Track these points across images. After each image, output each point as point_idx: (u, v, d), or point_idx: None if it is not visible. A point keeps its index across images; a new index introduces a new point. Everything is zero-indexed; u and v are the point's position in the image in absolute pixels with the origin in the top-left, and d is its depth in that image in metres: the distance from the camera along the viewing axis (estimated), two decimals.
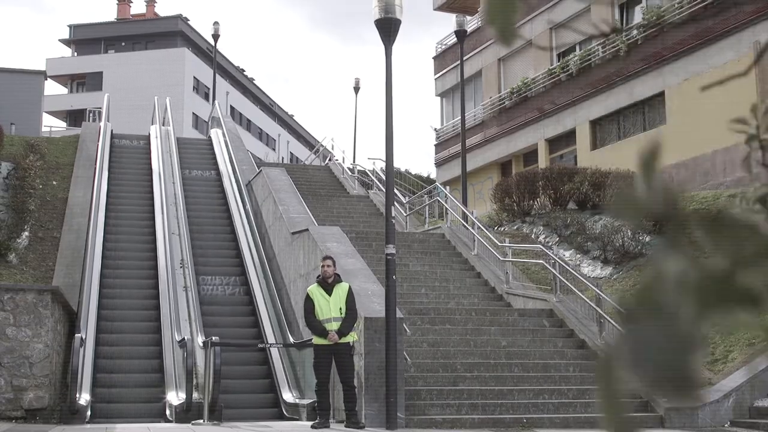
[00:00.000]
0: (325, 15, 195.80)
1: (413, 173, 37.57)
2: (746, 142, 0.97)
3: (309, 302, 9.95)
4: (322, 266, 10.16)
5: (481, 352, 12.11)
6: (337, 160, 28.84)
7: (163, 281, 14.96)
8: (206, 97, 54.29)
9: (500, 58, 30.25)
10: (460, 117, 22.48)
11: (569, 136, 26.50)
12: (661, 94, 22.71)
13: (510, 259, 15.05)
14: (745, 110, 1.00)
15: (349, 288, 10.05)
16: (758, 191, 0.86)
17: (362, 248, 14.70)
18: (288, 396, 12.23)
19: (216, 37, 32.19)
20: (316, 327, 9.82)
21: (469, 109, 29.52)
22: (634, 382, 0.68)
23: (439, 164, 33.10)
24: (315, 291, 10.01)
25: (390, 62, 11.25)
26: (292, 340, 13.02)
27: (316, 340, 9.90)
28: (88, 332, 12.87)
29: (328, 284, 9.99)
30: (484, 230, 16.40)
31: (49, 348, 11.02)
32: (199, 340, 12.31)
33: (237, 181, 20.18)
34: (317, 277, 10.24)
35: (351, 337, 9.88)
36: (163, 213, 17.82)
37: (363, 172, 26.20)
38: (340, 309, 9.83)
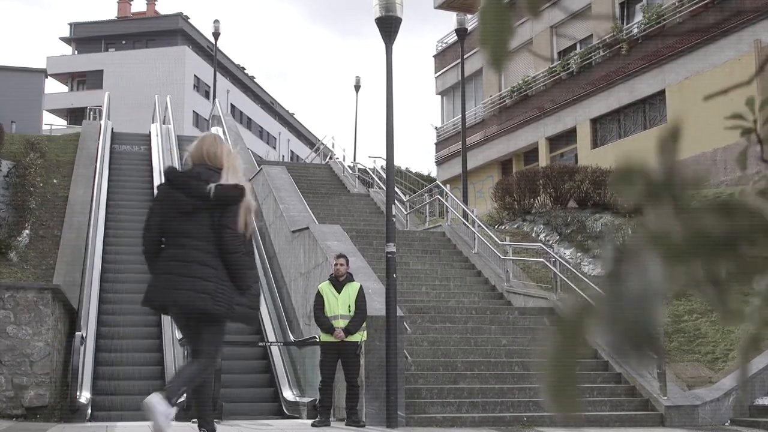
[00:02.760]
0: (325, 11, 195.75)
1: (413, 171, 37.56)
2: (742, 135, 0.97)
3: (319, 299, 9.96)
4: (335, 264, 10.15)
5: (481, 350, 12.12)
6: (337, 158, 28.83)
7: None
8: (207, 95, 54.27)
9: None
10: (460, 115, 22.49)
11: (570, 135, 26.50)
12: (662, 93, 22.71)
13: (510, 258, 15.05)
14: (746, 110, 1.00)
15: (360, 287, 10.04)
16: (758, 185, 0.86)
17: (363, 247, 14.70)
18: (288, 394, 12.24)
19: (216, 35, 32.17)
20: (324, 323, 9.84)
21: (470, 107, 29.51)
22: (600, 339, 0.68)
23: (439, 163, 33.10)
24: (325, 288, 10.04)
25: (390, 60, 11.24)
26: (292, 338, 13.03)
27: (323, 337, 9.91)
28: (88, 330, 12.87)
29: (339, 282, 10.01)
30: (485, 229, 16.40)
31: (50, 346, 11.02)
32: None
33: None
34: (330, 275, 10.25)
35: (359, 336, 9.89)
36: None
37: (363, 171, 26.21)
38: (349, 307, 9.85)
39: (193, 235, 5.16)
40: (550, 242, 17.44)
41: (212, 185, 5.12)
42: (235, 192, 5.16)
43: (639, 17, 23.95)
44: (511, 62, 0.82)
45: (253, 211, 5.31)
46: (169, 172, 5.45)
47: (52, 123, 50.83)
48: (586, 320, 0.68)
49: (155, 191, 5.55)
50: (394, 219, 11.20)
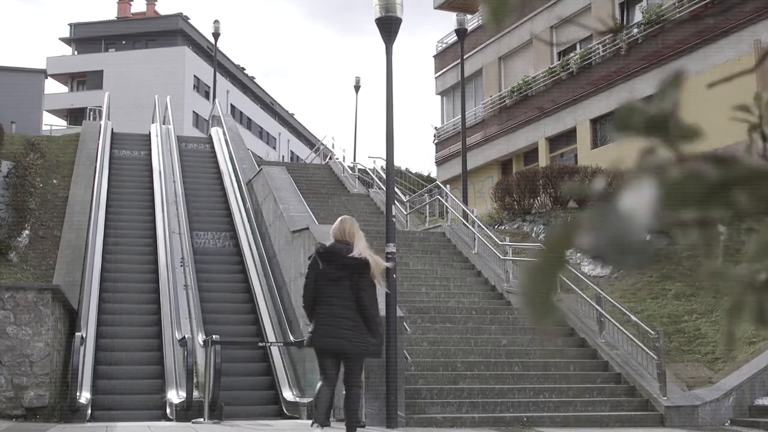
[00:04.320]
0: (326, 9, 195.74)
1: (413, 172, 37.57)
2: (748, 132, 0.97)
3: None
4: None
5: (481, 350, 12.11)
6: (337, 158, 28.83)
7: (163, 279, 14.97)
8: (207, 95, 54.28)
9: (501, 56, 30.25)
10: (460, 115, 22.49)
11: (570, 135, 26.50)
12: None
13: (510, 258, 15.04)
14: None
15: None
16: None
17: None
18: (288, 394, 12.24)
19: (216, 35, 32.19)
20: None
21: (470, 107, 29.50)
22: (587, 249, 0.68)
23: (439, 163, 33.10)
24: None
25: (390, 61, 11.24)
26: (292, 338, 13.02)
27: None
28: (88, 331, 12.88)
29: None
30: (485, 229, 16.39)
31: (50, 346, 11.02)
32: (200, 338, 12.33)
33: (237, 180, 20.19)
34: None
35: None
36: (163, 211, 17.83)
37: (363, 171, 26.20)
38: None
39: (339, 295, 7.11)
40: None
41: (352, 256, 7.12)
42: (366, 263, 7.12)
43: (639, 16, 23.95)
44: (509, 18, 0.81)
45: (381, 273, 7.31)
46: (319, 248, 7.35)
47: (52, 123, 50.88)
48: (573, 232, 0.69)
49: (312, 261, 7.36)
50: (394, 219, 11.20)
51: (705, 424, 10.69)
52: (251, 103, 65.40)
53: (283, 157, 63.36)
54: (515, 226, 19.35)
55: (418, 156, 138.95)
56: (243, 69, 67.62)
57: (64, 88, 60.16)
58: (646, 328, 11.23)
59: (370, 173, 25.11)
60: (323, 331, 7.11)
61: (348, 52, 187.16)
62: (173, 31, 59.29)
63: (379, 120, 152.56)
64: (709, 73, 20.57)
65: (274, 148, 65.78)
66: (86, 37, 59.88)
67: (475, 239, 16.52)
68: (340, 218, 7.54)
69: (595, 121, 25.39)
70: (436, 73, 34.34)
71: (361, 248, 7.17)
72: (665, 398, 10.75)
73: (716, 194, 0.69)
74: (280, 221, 16.10)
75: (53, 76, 56.42)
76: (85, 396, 11.35)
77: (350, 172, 25.57)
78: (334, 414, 10.30)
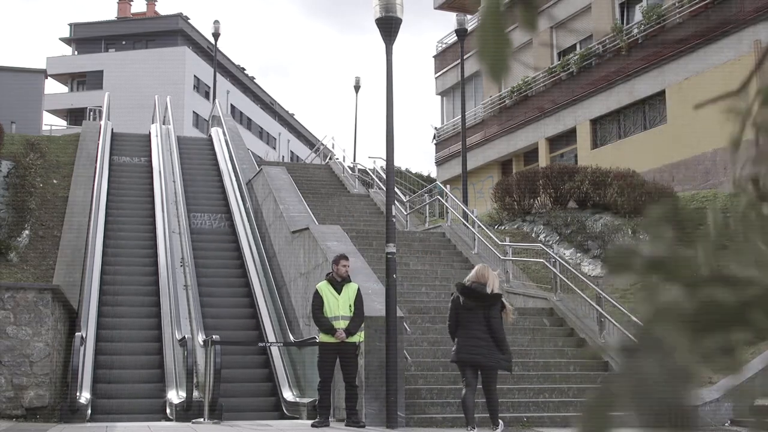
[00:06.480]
0: (326, 7, 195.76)
1: (413, 172, 37.54)
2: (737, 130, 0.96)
3: (318, 299, 9.90)
4: (344, 266, 10.08)
5: None
6: (337, 158, 28.83)
7: (163, 280, 14.97)
8: (207, 95, 54.27)
9: None
10: (460, 116, 22.49)
11: (570, 135, 26.50)
12: (662, 93, 22.71)
13: (510, 258, 15.05)
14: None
15: (358, 288, 10.02)
16: (749, 173, 0.87)
17: (362, 247, 14.69)
18: (288, 395, 12.24)
19: (216, 35, 32.19)
20: (324, 324, 9.80)
21: (470, 107, 29.50)
22: (630, 416, 0.68)
23: (439, 163, 33.10)
24: (324, 288, 9.98)
25: (390, 61, 11.24)
26: (292, 338, 13.02)
27: (323, 338, 9.89)
28: (88, 331, 12.87)
29: (337, 282, 9.96)
30: (485, 229, 16.40)
31: (50, 347, 11.02)
32: (200, 338, 12.33)
33: (237, 180, 20.19)
34: (327, 275, 10.22)
35: (358, 338, 9.88)
36: (163, 211, 17.83)
37: (363, 171, 26.19)
38: (350, 307, 9.85)
39: (474, 321, 9.05)
40: (550, 242, 17.43)
41: (485, 293, 9.08)
42: (496, 296, 9.15)
43: (639, 17, 23.94)
44: (509, 72, 0.81)
45: (510, 310, 9.24)
46: (460, 287, 9.23)
47: (52, 123, 50.81)
48: (616, 397, 0.68)
49: (453, 298, 9.30)
50: (394, 219, 11.20)
51: (705, 424, 10.69)
52: (251, 104, 65.39)
53: (283, 157, 63.33)
54: (515, 226, 19.35)
55: (418, 156, 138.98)
56: (243, 69, 67.62)
57: (64, 88, 60.15)
58: None
59: (370, 173, 25.10)
60: (465, 349, 9.03)
61: (348, 51, 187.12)
62: (173, 31, 59.28)
63: (379, 120, 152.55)
64: (709, 73, 20.57)
65: (274, 148, 65.76)
66: (86, 37, 59.86)
67: (475, 239, 16.52)
68: (478, 265, 9.75)
69: (595, 121, 25.39)
70: (436, 73, 34.35)
71: (495, 286, 9.18)
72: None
73: (736, 318, 0.69)
74: (280, 221, 16.10)
75: (53, 76, 56.41)
76: (85, 396, 11.35)
77: (350, 172, 25.57)
78: (334, 414, 10.31)
